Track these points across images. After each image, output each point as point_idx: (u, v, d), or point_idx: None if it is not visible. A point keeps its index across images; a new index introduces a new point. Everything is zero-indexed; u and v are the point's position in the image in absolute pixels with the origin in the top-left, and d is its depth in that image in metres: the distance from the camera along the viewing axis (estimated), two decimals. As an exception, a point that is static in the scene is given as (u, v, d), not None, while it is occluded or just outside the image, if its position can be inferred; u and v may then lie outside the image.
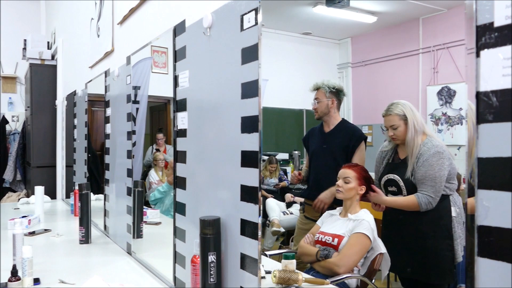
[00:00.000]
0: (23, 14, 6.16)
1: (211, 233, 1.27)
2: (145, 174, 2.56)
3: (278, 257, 2.48)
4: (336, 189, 2.25)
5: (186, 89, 1.58)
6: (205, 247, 1.27)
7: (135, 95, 2.23)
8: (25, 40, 5.27)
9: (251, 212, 1.18)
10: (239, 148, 1.24)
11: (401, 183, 2.29)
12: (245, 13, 1.21)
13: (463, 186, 2.68)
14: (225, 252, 1.31)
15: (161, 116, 2.47)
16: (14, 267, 1.67)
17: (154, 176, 2.64)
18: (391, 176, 2.34)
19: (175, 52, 1.66)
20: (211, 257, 1.27)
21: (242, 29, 1.22)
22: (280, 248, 3.60)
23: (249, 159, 1.20)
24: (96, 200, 2.84)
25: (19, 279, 1.66)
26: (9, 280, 1.64)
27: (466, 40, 0.71)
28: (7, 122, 5.68)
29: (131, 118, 2.24)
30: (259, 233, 1.15)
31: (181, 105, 1.62)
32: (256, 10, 1.16)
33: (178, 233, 1.65)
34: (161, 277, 1.82)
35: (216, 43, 1.38)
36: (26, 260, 1.70)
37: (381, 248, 2.11)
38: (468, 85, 0.71)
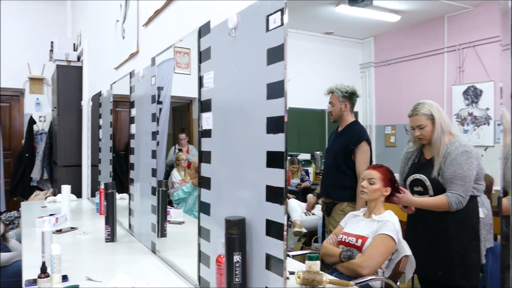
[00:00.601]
0: (50, 17, 6.31)
1: (236, 233, 1.28)
2: (167, 174, 2.59)
3: (299, 258, 2.48)
4: (361, 190, 2.24)
5: (211, 90, 1.59)
6: (230, 247, 1.28)
7: (158, 96, 2.26)
8: (52, 42, 5.40)
9: (277, 213, 1.18)
10: (264, 149, 1.24)
11: (427, 183, 2.27)
12: (271, 14, 1.21)
13: (496, 188, 2.61)
14: (250, 252, 1.31)
15: (183, 116, 2.50)
16: (44, 264, 1.71)
17: (176, 175, 2.67)
18: (417, 176, 2.32)
19: (200, 53, 1.67)
20: (236, 257, 1.27)
21: (267, 29, 1.23)
22: (302, 249, 3.59)
23: (274, 159, 1.20)
24: (120, 199, 2.88)
25: (48, 276, 1.70)
26: (39, 277, 1.68)
27: (502, 36, 0.69)
28: (34, 122, 5.81)
29: (156, 118, 2.27)
30: (285, 234, 1.15)
31: (205, 106, 1.63)
32: (282, 11, 1.16)
33: (202, 232, 1.66)
34: (185, 276, 1.84)
35: (241, 44, 1.39)
36: (55, 258, 1.74)
37: (406, 250, 2.09)
38: (504, 82, 0.69)
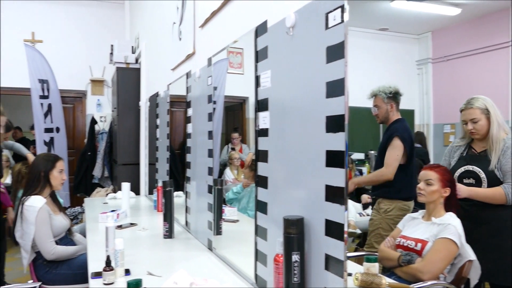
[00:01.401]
0: (110, 22, 6.59)
1: (295, 232, 1.27)
2: (220, 173, 2.62)
3: (354, 259, 2.43)
4: (418, 192, 2.17)
5: (268, 89, 1.59)
6: (289, 247, 1.27)
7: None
8: (112, 46, 5.63)
9: (337, 213, 1.17)
10: (324, 148, 1.23)
11: (482, 175, 2.22)
12: (330, 11, 1.19)
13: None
14: (309, 252, 1.30)
15: (236, 116, 2.52)
16: (108, 258, 1.79)
17: (229, 174, 2.71)
18: (470, 167, 2.28)
19: (256, 53, 1.68)
20: (295, 257, 1.27)
21: (327, 27, 1.21)
22: (356, 250, 3.52)
23: (334, 159, 1.18)
24: (175, 197, 2.96)
25: (112, 269, 1.78)
26: (104, 270, 1.77)
27: None
28: (96, 122, 6.10)
29: (212, 118, 2.31)
30: (345, 235, 1.13)
31: (262, 105, 1.63)
32: (342, 8, 1.14)
33: (259, 231, 1.67)
34: (242, 274, 1.85)
35: (299, 43, 1.38)
36: (118, 252, 1.82)
37: (470, 255, 1.99)
38: None
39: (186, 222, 2.83)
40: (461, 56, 5.74)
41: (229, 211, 2.54)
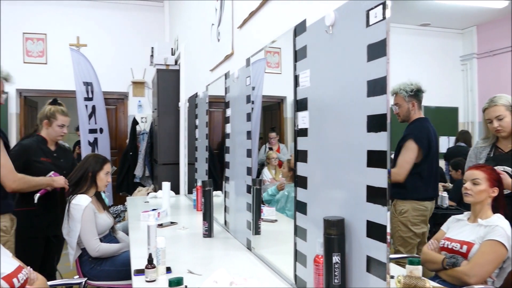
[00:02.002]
0: (150, 25, 6.75)
1: (335, 233, 1.26)
2: (258, 172, 2.63)
3: (394, 261, 2.37)
4: (464, 192, 2.09)
5: (307, 89, 1.58)
6: (329, 248, 1.26)
7: (250, 96, 2.30)
8: (152, 48, 5.76)
9: (379, 214, 1.14)
10: (365, 148, 1.21)
11: None
12: (371, 8, 1.17)
13: None
14: (350, 254, 1.28)
15: (273, 115, 2.52)
16: (150, 255, 1.83)
17: (267, 174, 2.71)
18: (500, 168, 2.17)
19: (295, 52, 1.67)
20: (336, 258, 1.25)
21: (367, 25, 1.19)
22: (396, 252, 3.44)
23: (376, 159, 1.16)
24: (214, 196, 3.00)
25: (154, 267, 1.82)
26: (146, 267, 1.81)
27: None
28: (137, 123, 6.26)
29: (250, 118, 2.32)
30: (388, 236, 1.10)
31: (301, 105, 1.62)
32: (384, 4, 1.12)
33: (298, 231, 1.66)
34: (281, 274, 1.85)
35: (338, 41, 1.36)
36: (160, 250, 1.86)
37: (521, 259, 1.90)
38: None
39: (225, 221, 2.86)
40: (508, 50, 5.50)
41: (267, 211, 2.54)
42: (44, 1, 6.29)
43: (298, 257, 1.66)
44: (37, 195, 2.86)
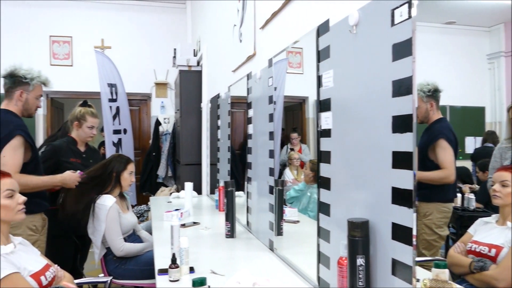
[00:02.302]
0: (172, 27, 6.82)
1: (359, 235, 1.24)
2: (280, 173, 2.62)
3: (419, 264, 2.33)
4: (493, 194, 2.04)
5: (330, 89, 1.57)
6: (354, 250, 1.25)
7: (272, 96, 2.30)
8: (174, 50, 5.81)
9: (404, 216, 1.13)
10: (390, 149, 1.19)
11: None
12: (396, 7, 1.15)
13: None
14: (374, 256, 1.27)
15: (295, 116, 2.50)
16: (174, 255, 1.85)
17: (289, 174, 2.69)
18: None
19: (318, 52, 1.66)
20: (360, 260, 1.24)
21: (392, 24, 1.17)
22: (419, 255, 3.38)
23: (401, 160, 1.14)
24: (236, 197, 3.00)
25: (177, 266, 1.83)
26: (170, 267, 1.83)
27: None
28: (160, 124, 6.32)
29: (273, 118, 2.31)
30: (414, 239, 1.09)
31: (324, 105, 1.61)
32: (409, 3, 1.10)
33: (322, 233, 1.65)
34: (304, 276, 1.84)
35: (362, 41, 1.35)
36: (183, 250, 1.87)
37: (552, 263, 1.84)
38: None
39: (247, 222, 2.86)
40: (538, 48, 5.34)
41: (289, 212, 2.53)
42: (70, 5, 6.43)
43: (321, 258, 1.65)
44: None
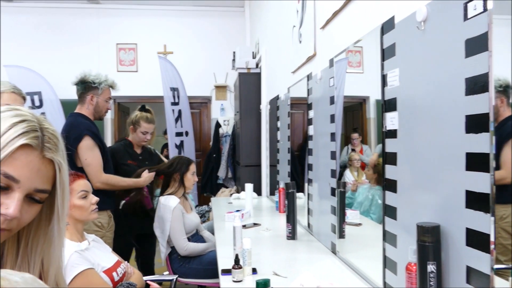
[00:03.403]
0: (231, 30, 6.93)
1: (430, 240, 1.19)
2: (340, 174, 2.57)
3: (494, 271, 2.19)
4: None
5: (396, 88, 1.52)
6: (424, 256, 1.19)
7: (332, 97, 2.26)
8: (234, 53, 5.90)
9: (481, 222, 1.06)
10: (463, 150, 1.12)
11: None
12: (470, 0, 1.09)
13: None
14: (446, 263, 1.20)
15: (355, 116, 2.45)
16: (237, 256, 1.87)
17: (349, 176, 2.63)
18: None
19: (382, 51, 1.61)
20: (431, 267, 1.18)
21: (465, 18, 1.11)
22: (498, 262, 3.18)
23: (477, 162, 1.07)
24: (297, 198, 2.98)
25: (240, 267, 1.85)
26: (233, 268, 1.85)
27: None
28: (220, 126, 6.44)
29: (334, 119, 2.28)
30: (492, 245, 1.02)
31: (390, 105, 1.56)
32: (484, -5, 1.03)
33: (387, 237, 1.59)
34: (368, 281, 1.79)
35: (431, 37, 1.29)
36: (246, 251, 1.89)
37: None
38: None
39: (308, 224, 2.83)
40: None
41: (351, 214, 2.48)
42: (135, 14, 6.74)
43: (388, 263, 1.60)
44: (122, 202, 3.05)
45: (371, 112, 1.96)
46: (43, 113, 5.48)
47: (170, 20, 6.82)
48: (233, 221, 2.11)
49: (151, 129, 3.42)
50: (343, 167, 2.60)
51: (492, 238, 1.03)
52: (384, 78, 1.61)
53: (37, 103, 5.57)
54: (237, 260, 1.86)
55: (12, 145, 0.75)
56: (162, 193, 2.93)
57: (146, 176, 3.05)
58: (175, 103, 5.76)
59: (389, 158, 1.58)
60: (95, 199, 2.03)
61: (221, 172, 6.09)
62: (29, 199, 0.79)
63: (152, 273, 3.49)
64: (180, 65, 6.09)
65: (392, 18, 1.54)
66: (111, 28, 6.70)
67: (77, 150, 2.65)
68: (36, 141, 0.78)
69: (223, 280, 1.89)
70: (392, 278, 1.55)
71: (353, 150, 2.60)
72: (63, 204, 0.84)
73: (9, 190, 0.76)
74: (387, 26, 1.57)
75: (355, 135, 2.55)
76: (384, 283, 1.62)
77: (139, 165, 3.33)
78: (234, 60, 5.87)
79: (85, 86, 2.87)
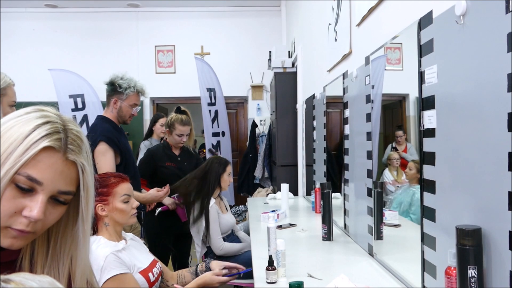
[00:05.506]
0: (267, 29, 6.94)
1: (470, 244, 1.13)
2: (381, 173, 2.51)
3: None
4: None
5: (434, 85, 1.46)
6: (464, 260, 1.14)
7: (369, 95, 2.21)
8: (269, 52, 5.89)
9: (525, 225, 1.00)
10: (505, 150, 1.07)
11: None
12: (512, -8, 1.03)
13: None
14: (488, 268, 1.15)
15: (394, 114, 2.38)
16: (271, 257, 1.86)
17: (388, 175, 2.57)
18: None
19: (420, 47, 1.56)
20: (472, 272, 1.13)
21: (507, 10, 1.05)
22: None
23: (520, 162, 1.02)
24: (333, 199, 2.94)
25: (274, 268, 1.84)
26: (267, 269, 1.84)
27: None
28: (256, 125, 6.46)
29: (371, 118, 2.23)
30: (537, 251, 0.96)
31: (428, 103, 1.51)
32: (528, -14, 0.98)
33: (426, 239, 1.54)
34: (406, 284, 1.74)
35: (471, 32, 1.23)
36: (280, 252, 1.88)
37: None
38: None
39: (345, 224, 2.79)
40: None
41: (390, 215, 2.41)
42: (173, 16, 6.87)
43: (427, 267, 1.54)
44: (158, 209, 3.09)
45: (411, 110, 1.91)
46: (85, 115, 5.67)
47: (207, 21, 6.91)
48: (268, 222, 2.10)
49: (186, 131, 3.41)
50: (385, 166, 2.54)
51: (537, 243, 0.96)
52: (421, 75, 1.55)
53: (79, 105, 5.77)
54: (271, 262, 1.85)
55: (35, 148, 0.76)
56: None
57: (149, 193, 2.92)
58: (211, 104, 5.82)
59: (427, 158, 1.52)
60: (135, 203, 2.04)
61: (258, 172, 6.10)
62: (54, 201, 0.80)
63: None
64: (217, 66, 6.15)
65: (430, 13, 1.48)
66: (150, 31, 6.86)
67: (93, 155, 2.68)
68: (59, 143, 0.79)
69: (257, 281, 1.88)
70: (432, 282, 1.50)
71: (395, 148, 2.53)
72: (87, 206, 0.85)
73: (33, 192, 0.77)
74: (425, 21, 1.52)
75: (400, 133, 2.47)
76: (423, 287, 1.57)
77: (178, 166, 3.37)
78: (270, 59, 5.86)
79: (112, 88, 2.81)
